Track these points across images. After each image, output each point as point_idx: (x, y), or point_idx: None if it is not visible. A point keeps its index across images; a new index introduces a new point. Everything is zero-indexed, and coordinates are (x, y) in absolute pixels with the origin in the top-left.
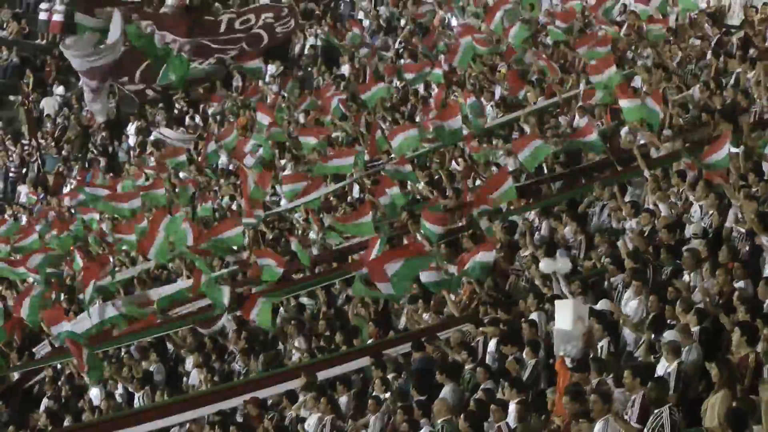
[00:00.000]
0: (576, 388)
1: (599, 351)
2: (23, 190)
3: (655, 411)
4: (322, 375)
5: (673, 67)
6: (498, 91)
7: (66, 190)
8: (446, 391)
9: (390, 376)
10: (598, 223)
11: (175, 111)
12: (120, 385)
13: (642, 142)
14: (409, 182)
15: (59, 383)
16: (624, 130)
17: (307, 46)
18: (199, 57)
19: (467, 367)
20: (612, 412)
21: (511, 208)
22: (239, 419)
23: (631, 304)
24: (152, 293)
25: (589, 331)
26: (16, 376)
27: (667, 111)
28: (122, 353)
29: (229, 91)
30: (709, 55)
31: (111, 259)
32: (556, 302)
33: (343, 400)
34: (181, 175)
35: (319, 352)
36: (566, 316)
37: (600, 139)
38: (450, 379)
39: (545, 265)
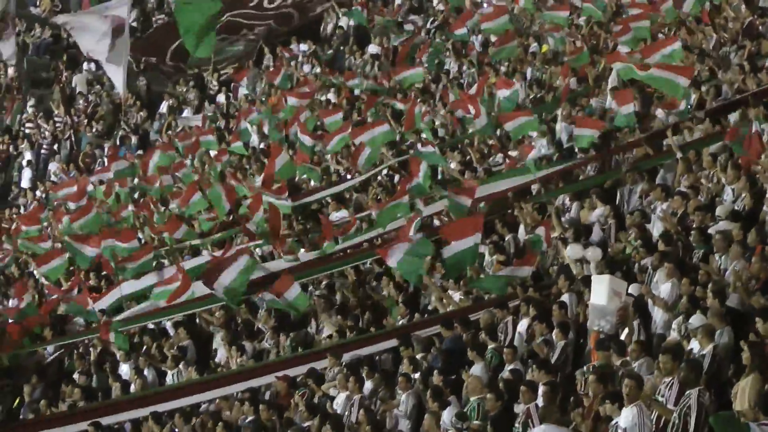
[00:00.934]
0: (603, 369)
1: (635, 333)
2: (54, 167)
3: (685, 393)
4: (353, 354)
5: (707, 49)
6: (529, 72)
7: (97, 167)
8: (478, 369)
9: (419, 356)
10: (628, 206)
11: (209, 90)
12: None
13: (672, 121)
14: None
15: (89, 358)
16: (657, 112)
17: (339, 26)
18: (227, 33)
19: (490, 346)
20: (643, 397)
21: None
22: (268, 397)
23: (663, 287)
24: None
25: (625, 307)
26: (49, 350)
27: (699, 93)
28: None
29: (260, 70)
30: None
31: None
32: (593, 277)
33: (368, 383)
34: (212, 153)
35: (350, 331)
36: (602, 291)
37: (634, 114)
38: (481, 357)
39: (572, 251)
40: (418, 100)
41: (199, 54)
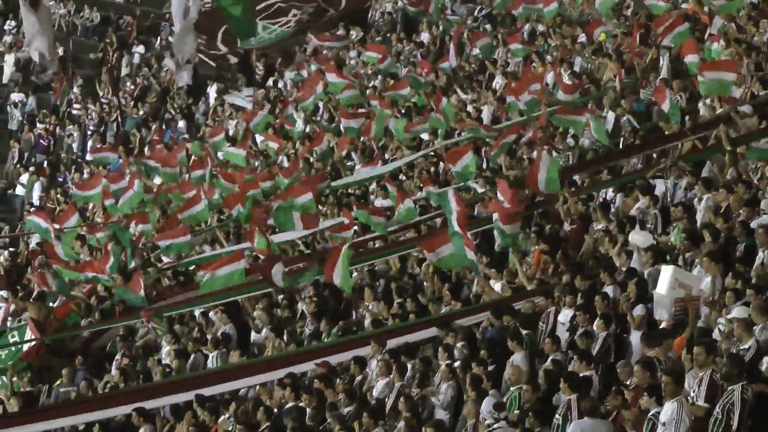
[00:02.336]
0: (649, 359)
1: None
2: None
3: (728, 388)
4: (393, 342)
5: (759, 42)
6: (578, 62)
7: (147, 151)
8: (518, 358)
9: (459, 345)
10: (672, 199)
11: (256, 74)
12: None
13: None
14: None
15: (131, 340)
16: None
17: (387, 12)
18: (274, 18)
19: (524, 332)
20: (684, 394)
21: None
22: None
23: (705, 281)
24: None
25: (690, 298)
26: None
27: (747, 87)
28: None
29: (306, 55)
30: None
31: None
32: (662, 267)
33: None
34: (258, 138)
35: (392, 319)
36: (665, 280)
37: (676, 109)
38: (521, 346)
39: (643, 238)
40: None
41: (244, 41)
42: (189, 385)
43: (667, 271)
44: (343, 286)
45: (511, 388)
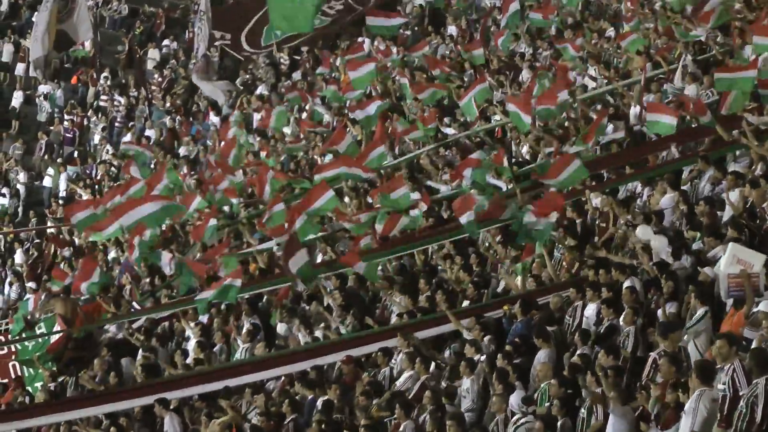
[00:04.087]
0: (675, 353)
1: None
2: (127, 139)
3: (754, 381)
4: (419, 336)
5: None
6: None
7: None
8: (544, 355)
9: (486, 338)
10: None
11: (281, 66)
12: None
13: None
14: None
15: (155, 334)
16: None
17: (417, 4)
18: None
19: (551, 329)
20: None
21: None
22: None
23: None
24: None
25: (747, 275)
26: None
27: None
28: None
29: (336, 51)
30: None
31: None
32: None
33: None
34: (287, 130)
35: (419, 312)
36: (725, 257)
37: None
38: (547, 343)
39: (642, 231)
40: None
41: (297, 29)
42: (214, 376)
43: (728, 249)
44: (368, 275)
45: (541, 385)
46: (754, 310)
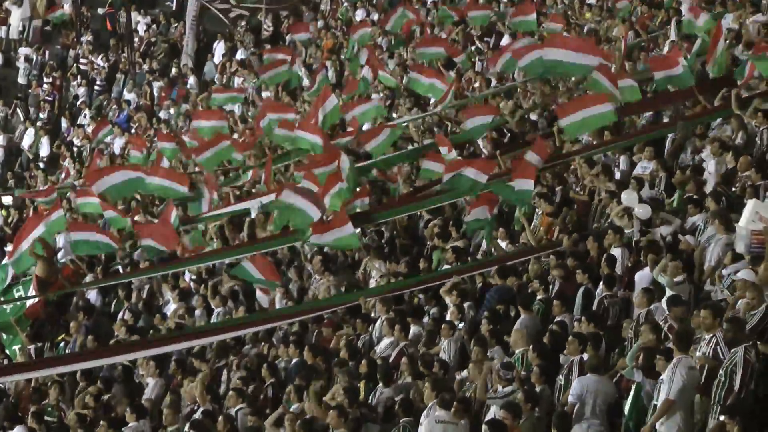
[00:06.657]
0: (655, 320)
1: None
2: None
3: (731, 351)
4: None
5: None
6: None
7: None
8: (522, 321)
9: (466, 305)
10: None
11: (264, 31)
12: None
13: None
14: None
15: (135, 298)
16: None
17: None
18: None
19: (538, 297)
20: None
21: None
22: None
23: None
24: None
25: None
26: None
27: None
28: None
29: (317, 15)
30: None
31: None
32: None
33: (414, 329)
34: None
35: (397, 277)
36: (745, 213)
37: (688, 72)
38: (526, 309)
39: (628, 197)
40: None
41: None
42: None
43: (749, 204)
44: (347, 243)
45: (516, 351)
46: (734, 277)
